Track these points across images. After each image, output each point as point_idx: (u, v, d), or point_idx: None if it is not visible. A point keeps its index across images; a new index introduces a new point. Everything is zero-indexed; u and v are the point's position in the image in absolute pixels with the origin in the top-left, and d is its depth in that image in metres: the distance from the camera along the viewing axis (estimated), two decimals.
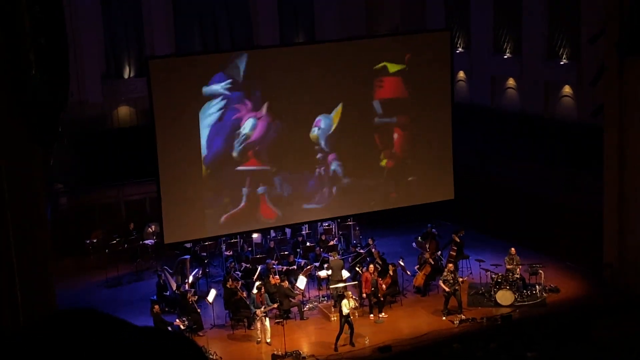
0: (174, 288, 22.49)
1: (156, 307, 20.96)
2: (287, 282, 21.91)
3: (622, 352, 17.36)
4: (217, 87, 22.84)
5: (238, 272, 23.05)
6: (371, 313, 21.69)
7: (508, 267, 22.43)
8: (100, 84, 29.37)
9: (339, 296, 21.29)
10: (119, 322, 1.85)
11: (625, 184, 22.44)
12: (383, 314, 21.67)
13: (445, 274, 21.66)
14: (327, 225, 26.03)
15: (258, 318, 20.51)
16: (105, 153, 28.05)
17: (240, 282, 21.85)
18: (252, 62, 23.24)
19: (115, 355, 1.69)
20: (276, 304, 21.11)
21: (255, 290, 20.97)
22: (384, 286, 21.67)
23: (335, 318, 21.03)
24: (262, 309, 20.47)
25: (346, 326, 20.06)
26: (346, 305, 19.98)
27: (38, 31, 15.59)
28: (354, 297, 20.87)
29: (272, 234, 25.73)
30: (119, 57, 30.06)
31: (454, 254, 23.42)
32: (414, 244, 24.49)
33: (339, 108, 24.19)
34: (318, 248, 24.35)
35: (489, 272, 22.56)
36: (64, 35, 16.45)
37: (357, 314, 21.36)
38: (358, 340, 20.25)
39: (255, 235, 25.32)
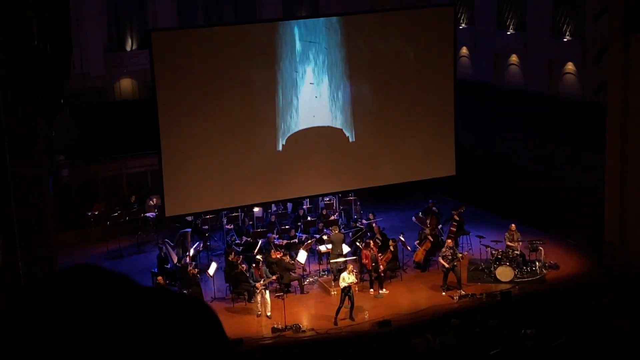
0: (175, 261, 22.56)
1: (159, 278, 21.07)
2: (287, 256, 21.98)
3: (621, 330, 17.44)
4: None
5: (238, 242, 23.14)
6: (371, 288, 21.77)
7: (508, 243, 22.49)
8: (102, 56, 29.30)
9: (339, 270, 21.36)
10: (133, 283, 1.83)
11: (627, 162, 22.42)
12: (384, 289, 21.73)
13: (444, 250, 21.71)
14: (328, 200, 26.08)
15: (258, 291, 20.60)
16: (108, 125, 28.02)
17: (241, 257, 21.93)
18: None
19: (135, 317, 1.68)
20: (275, 276, 21.19)
21: (253, 265, 21.07)
22: (383, 261, 21.73)
23: (336, 292, 21.11)
24: (262, 282, 20.55)
25: (347, 300, 20.14)
26: (344, 279, 20.03)
27: (41, 3, 15.54)
28: (355, 271, 20.88)
29: (273, 208, 25.78)
30: (122, 29, 29.96)
31: (454, 229, 23.46)
32: (413, 218, 24.53)
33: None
34: (319, 223, 24.40)
35: (489, 248, 22.62)
36: (67, 7, 16.41)
37: (357, 289, 21.46)
38: (358, 315, 20.35)
39: (256, 209, 25.37)
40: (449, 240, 22.07)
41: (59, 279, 1.76)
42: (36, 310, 1.67)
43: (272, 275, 21.12)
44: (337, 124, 24.40)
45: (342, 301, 20.12)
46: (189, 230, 24.01)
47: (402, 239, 22.83)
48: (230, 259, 21.56)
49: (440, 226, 23.97)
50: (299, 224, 24.73)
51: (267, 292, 20.73)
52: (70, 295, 1.69)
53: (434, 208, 24.75)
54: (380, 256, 21.69)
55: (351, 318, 20.19)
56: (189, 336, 1.69)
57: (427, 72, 25.00)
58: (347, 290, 20.08)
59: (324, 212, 25.36)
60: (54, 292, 1.71)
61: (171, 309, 1.73)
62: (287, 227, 24.50)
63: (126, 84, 30.25)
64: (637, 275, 22.10)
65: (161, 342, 1.64)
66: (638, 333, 16.56)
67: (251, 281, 20.82)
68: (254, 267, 20.95)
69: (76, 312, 1.65)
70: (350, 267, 20.59)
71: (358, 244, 22.80)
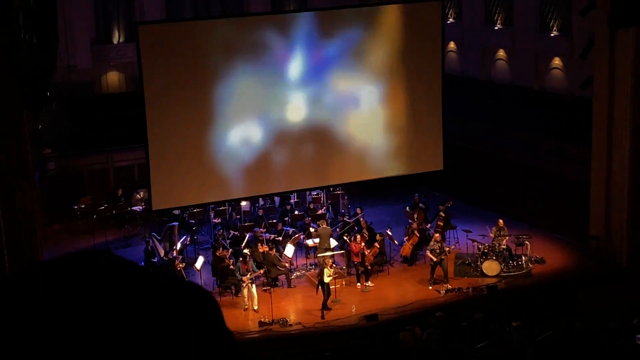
0: (162, 255, 22.53)
1: None
2: (274, 250, 21.98)
3: (606, 324, 17.54)
4: None
5: (227, 240, 23.11)
6: (358, 282, 21.80)
7: (492, 236, 22.48)
8: (89, 49, 29.17)
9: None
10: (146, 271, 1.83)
11: (613, 156, 22.53)
12: (369, 282, 21.78)
13: (432, 243, 21.75)
14: (315, 194, 26.08)
15: (245, 285, 20.60)
16: (94, 119, 27.92)
17: (229, 251, 21.92)
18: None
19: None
20: (262, 270, 21.20)
21: (240, 259, 21.06)
22: (371, 255, 21.75)
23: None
24: (249, 276, 20.56)
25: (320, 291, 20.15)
26: (327, 274, 20.04)
27: None
28: (334, 266, 20.85)
29: (261, 202, 25.76)
30: (109, 22, 29.84)
31: (442, 224, 23.49)
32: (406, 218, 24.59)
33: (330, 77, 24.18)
34: (306, 217, 24.40)
35: (475, 243, 22.68)
36: None
37: (344, 282, 21.48)
38: (345, 308, 20.37)
39: (243, 203, 25.36)
40: (437, 234, 22.13)
41: (54, 272, 1.76)
42: (30, 309, 1.67)
43: (259, 269, 21.12)
44: (325, 118, 24.38)
45: (324, 293, 20.11)
46: (176, 224, 23.99)
47: (389, 233, 22.87)
48: (218, 253, 21.54)
49: (428, 225, 23.99)
50: (287, 218, 24.73)
51: (254, 286, 20.73)
52: (64, 293, 1.69)
53: (420, 205, 24.77)
54: (367, 250, 21.72)
55: (326, 307, 20.16)
56: (182, 338, 1.70)
57: (415, 66, 25.01)
58: (326, 283, 20.10)
59: (312, 206, 25.38)
60: (47, 289, 1.70)
61: (164, 311, 1.73)
62: (274, 221, 24.51)
63: (113, 77, 30.14)
64: (623, 269, 22.23)
65: (154, 345, 1.65)
66: (623, 326, 16.65)
67: (238, 275, 20.81)
68: (241, 261, 20.95)
69: (70, 312, 1.65)
70: (330, 261, 20.58)
71: (345, 238, 22.83)
